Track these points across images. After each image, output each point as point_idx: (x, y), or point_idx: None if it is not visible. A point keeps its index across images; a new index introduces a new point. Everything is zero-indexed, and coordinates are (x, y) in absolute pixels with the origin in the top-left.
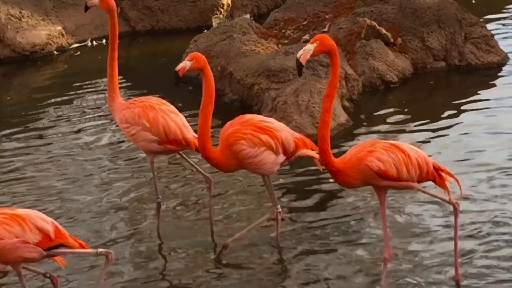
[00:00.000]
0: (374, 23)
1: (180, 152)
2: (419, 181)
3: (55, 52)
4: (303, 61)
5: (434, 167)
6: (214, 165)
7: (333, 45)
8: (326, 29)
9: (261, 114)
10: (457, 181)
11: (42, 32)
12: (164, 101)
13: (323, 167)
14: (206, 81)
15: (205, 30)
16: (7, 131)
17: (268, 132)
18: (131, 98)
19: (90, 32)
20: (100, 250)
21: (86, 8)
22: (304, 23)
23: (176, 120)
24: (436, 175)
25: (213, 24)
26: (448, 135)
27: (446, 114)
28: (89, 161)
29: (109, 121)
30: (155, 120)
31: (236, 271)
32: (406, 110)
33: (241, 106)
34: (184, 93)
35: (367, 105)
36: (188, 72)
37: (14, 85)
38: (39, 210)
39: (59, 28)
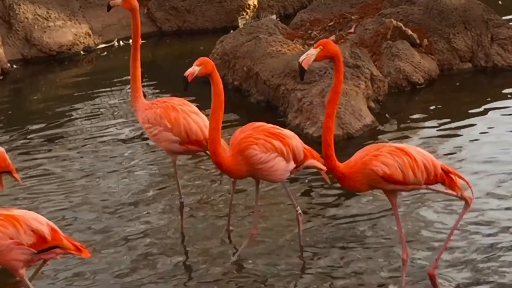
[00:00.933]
0: (400, 24)
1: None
2: (427, 184)
3: (82, 52)
4: (305, 66)
5: (443, 170)
6: (224, 170)
7: (337, 50)
8: (352, 30)
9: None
10: (467, 183)
11: (69, 32)
12: (186, 101)
13: (330, 177)
14: (215, 86)
15: (231, 31)
16: (34, 129)
17: (280, 138)
18: (156, 98)
19: (117, 33)
20: None
21: (109, 7)
22: (330, 24)
23: (197, 121)
24: (446, 178)
25: (239, 24)
26: (473, 135)
27: (472, 115)
28: (113, 159)
29: (133, 120)
30: (176, 120)
31: (254, 270)
32: (432, 111)
33: (267, 106)
34: (208, 93)
35: (393, 106)
36: (197, 77)
37: (41, 84)
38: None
39: (86, 28)
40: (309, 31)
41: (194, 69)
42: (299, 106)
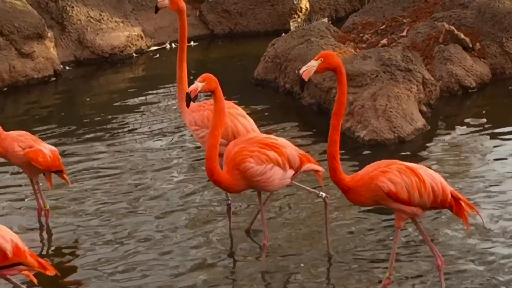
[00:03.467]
0: (452, 27)
1: None
2: (434, 208)
3: (134, 54)
4: (305, 77)
5: (452, 196)
6: (223, 187)
7: (338, 62)
8: (404, 34)
9: None
10: (477, 212)
11: (121, 34)
12: (233, 104)
13: (325, 181)
14: (217, 103)
15: (283, 34)
16: (85, 129)
17: (275, 148)
18: (203, 100)
19: (169, 35)
20: None
21: (157, 9)
22: (382, 27)
23: (244, 124)
24: (454, 204)
25: (291, 27)
26: None
27: None
28: (160, 158)
29: (181, 121)
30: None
31: (283, 270)
32: (484, 115)
33: (318, 110)
34: (259, 96)
35: (444, 110)
36: (200, 93)
37: (94, 86)
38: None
39: (138, 30)
40: (361, 35)
41: (197, 85)
42: (350, 109)
